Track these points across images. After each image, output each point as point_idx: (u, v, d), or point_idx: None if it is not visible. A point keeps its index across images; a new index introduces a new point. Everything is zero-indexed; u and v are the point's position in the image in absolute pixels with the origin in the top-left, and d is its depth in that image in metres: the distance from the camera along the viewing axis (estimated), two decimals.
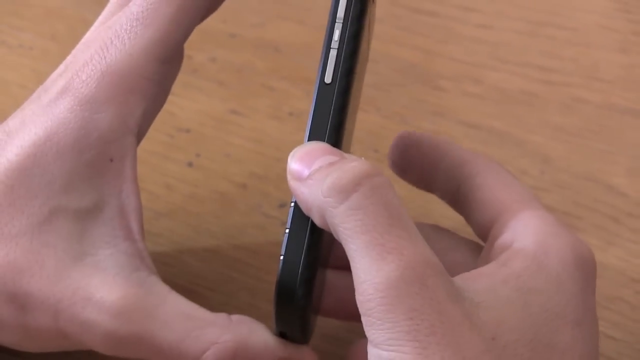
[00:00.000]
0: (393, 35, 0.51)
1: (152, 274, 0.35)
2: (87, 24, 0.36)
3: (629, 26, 0.53)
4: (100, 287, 0.34)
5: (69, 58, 0.36)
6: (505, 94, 0.50)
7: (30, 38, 0.52)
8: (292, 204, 0.32)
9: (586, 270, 0.32)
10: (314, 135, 0.33)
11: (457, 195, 0.36)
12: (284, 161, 0.46)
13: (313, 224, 0.32)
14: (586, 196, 0.45)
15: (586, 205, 0.45)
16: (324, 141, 0.33)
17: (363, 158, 0.31)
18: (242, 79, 0.51)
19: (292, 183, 0.32)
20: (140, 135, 0.36)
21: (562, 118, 0.49)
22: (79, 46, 0.36)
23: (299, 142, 0.47)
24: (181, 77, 0.40)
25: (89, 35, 0.36)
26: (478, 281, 0.31)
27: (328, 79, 0.33)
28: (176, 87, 0.43)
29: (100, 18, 0.37)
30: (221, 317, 0.35)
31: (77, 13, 0.54)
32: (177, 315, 0.34)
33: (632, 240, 0.44)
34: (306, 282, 0.32)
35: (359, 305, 0.29)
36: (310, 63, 0.49)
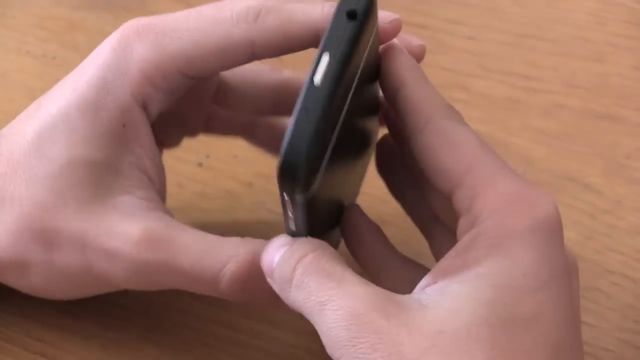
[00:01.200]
0: None
1: (167, 213, 0.35)
2: (106, 36, 0.36)
3: (604, 37, 0.53)
4: (121, 221, 0.34)
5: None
6: (491, 100, 0.50)
7: (54, 48, 0.52)
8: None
9: (547, 231, 0.30)
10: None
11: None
12: None
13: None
14: (565, 194, 0.45)
15: (565, 202, 0.45)
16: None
17: (308, 238, 0.32)
18: None
19: (269, 282, 0.33)
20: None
21: (543, 122, 0.49)
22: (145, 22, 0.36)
23: None
24: None
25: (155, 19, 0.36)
26: (433, 285, 0.30)
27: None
28: None
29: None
30: (234, 238, 0.35)
31: (97, 25, 0.54)
32: (195, 240, 0.34)
33: (607, 234, 0.43)
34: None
35: None
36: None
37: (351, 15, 0.30)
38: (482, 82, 0.51)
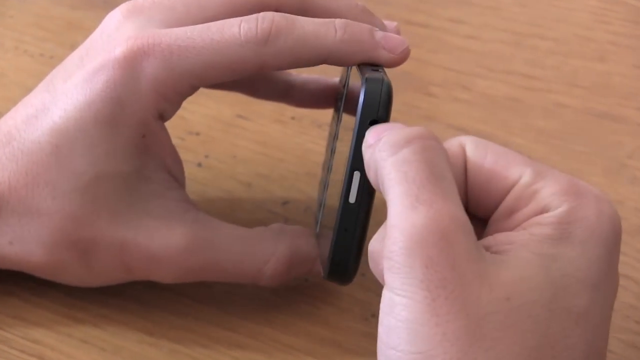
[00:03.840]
0: None
1: (199, 212, 0.37)
2: None
3: (606, 36, 0.53)
4: (160, 227, 0.35)
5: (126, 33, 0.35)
6: (492, 99, 0.50)
7: (52, 48, 0.52)
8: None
9: (611, 232, 0.30)
10: None
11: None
12: (286, 162, 0.46)
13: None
14: None
15: None
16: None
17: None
18: None
19: (364, 151, 0.31)
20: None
21: (544, 122, 0.48)
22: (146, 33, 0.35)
23: (301, 144, 0.47)
24: None
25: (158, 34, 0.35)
26: (504, 244, 0.30)
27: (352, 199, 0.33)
28: None
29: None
30: (271, 229, 0.37)
31: (95, 25, 0.53)
32: (234, 239, 0.36)
33: None
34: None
35: (385, 249, 0.28)
36: (309, 72, 0.48)
37: (374, 124, 0.32)
38: (483, 81, 0.50)
